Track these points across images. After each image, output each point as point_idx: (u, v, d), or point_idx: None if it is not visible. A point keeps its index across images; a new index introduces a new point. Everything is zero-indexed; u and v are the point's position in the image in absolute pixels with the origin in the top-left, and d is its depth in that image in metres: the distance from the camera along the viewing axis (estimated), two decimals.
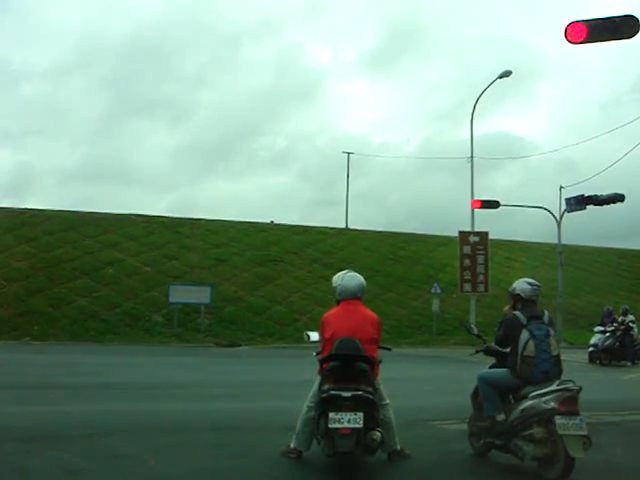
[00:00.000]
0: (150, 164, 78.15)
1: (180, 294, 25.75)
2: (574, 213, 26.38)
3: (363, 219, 75.16)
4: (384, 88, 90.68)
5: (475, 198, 27.09)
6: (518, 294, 6.15)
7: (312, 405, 5.92)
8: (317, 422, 5.67)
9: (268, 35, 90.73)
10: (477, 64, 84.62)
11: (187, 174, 79.37)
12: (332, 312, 6.15)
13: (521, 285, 6.18)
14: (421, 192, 69.55)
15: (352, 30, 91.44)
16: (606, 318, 20.58)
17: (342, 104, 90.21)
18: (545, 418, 5.46)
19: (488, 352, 6.43)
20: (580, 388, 5.53)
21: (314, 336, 6.46)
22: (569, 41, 8.94)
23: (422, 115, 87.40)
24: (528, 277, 6.45)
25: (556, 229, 28.30)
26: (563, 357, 6.01)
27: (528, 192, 64.59)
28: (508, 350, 6.09)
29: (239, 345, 24.12)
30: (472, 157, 28.09)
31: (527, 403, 5.64)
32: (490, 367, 6.36)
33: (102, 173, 73.44)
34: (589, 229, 43.03)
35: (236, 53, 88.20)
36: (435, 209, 61.48)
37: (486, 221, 43.48)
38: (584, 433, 5.29)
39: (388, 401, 6.10)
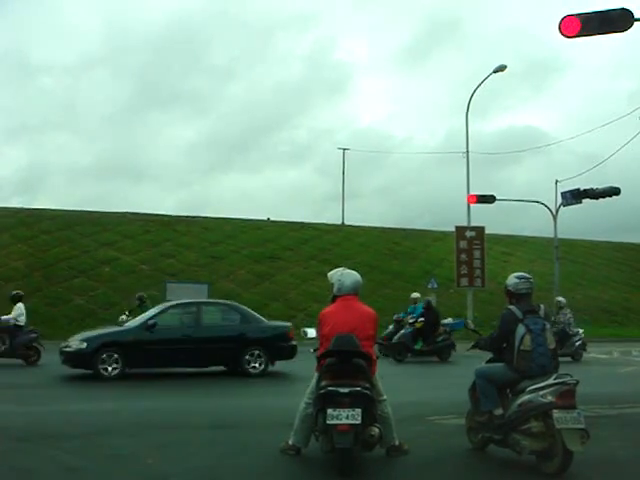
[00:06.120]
0: (166, 160, 76.47)
1: (177, 292, 25.56)
2: (571, 207, 26.34)
3: (376, 215, 74.64)
4: (409, 82, 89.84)
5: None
6: (509, 289, 6.17)
7: (310, 402, 5.93)
8: (315, 418, 5.68)
9: (302, 28, 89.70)
10: (505, 58, 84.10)
11: (203, 170, 77.51)
12: (329, 309, 6.15)
13: (510, 280, 6.21)
14: (434, 187, 68.66)
15: (384, 25, 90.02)
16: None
17: (368, 99, 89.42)
18: (543, 412, 5.47)
19: (478, 347, 6.45)
20: (577, 382, 5.54)
21: (311, 333, 6.49)
22: (563, 35, 8.95)
23: (447, 109, 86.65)
24: (524, 271, 6.46)
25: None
26: None
27: (543, 186, 63.86)
28: (494, 348, 6.18)
29: None
30: (467, 152, 28.20)
31: (524, 397, 5.65)
32: (487, 362, 6.36)
33: (117, 170, 72.08)
34: (587, 223, 42.88)
35: (267, 46, 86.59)
36: (448, 204, 60.87)
37: (496, 217, 43.45)
38: (582, 426, 5.30)
39: (385, 397, 6.10)
